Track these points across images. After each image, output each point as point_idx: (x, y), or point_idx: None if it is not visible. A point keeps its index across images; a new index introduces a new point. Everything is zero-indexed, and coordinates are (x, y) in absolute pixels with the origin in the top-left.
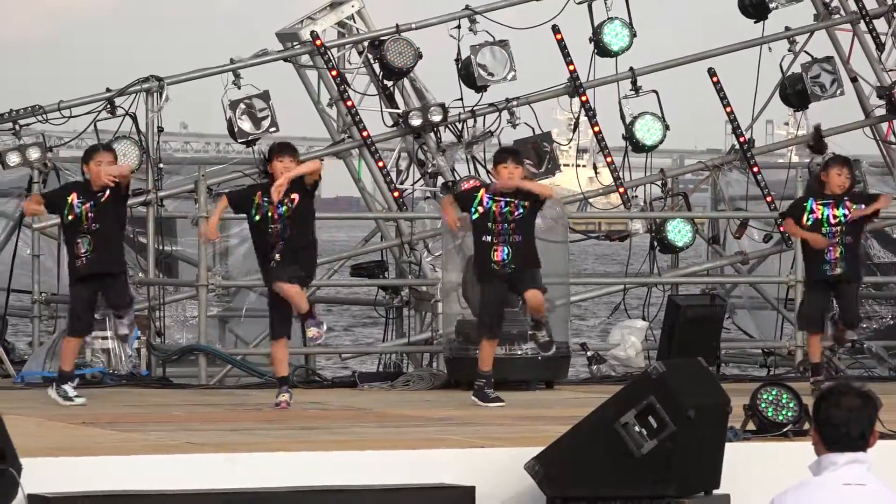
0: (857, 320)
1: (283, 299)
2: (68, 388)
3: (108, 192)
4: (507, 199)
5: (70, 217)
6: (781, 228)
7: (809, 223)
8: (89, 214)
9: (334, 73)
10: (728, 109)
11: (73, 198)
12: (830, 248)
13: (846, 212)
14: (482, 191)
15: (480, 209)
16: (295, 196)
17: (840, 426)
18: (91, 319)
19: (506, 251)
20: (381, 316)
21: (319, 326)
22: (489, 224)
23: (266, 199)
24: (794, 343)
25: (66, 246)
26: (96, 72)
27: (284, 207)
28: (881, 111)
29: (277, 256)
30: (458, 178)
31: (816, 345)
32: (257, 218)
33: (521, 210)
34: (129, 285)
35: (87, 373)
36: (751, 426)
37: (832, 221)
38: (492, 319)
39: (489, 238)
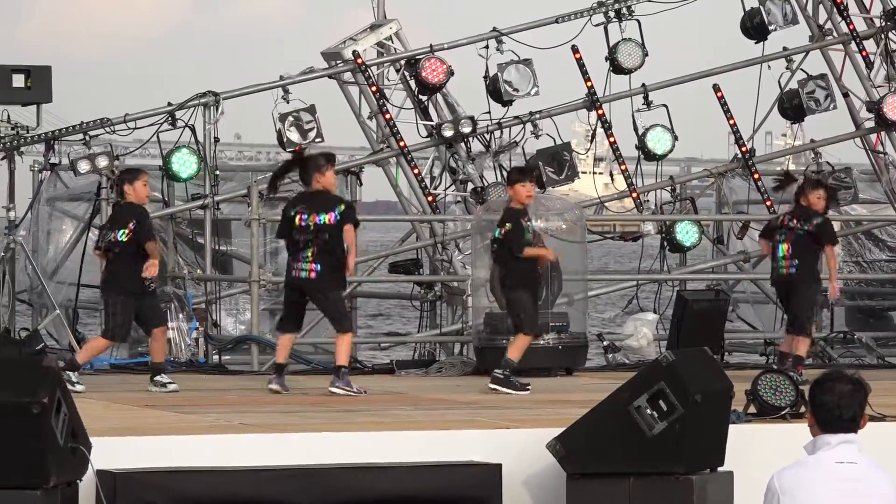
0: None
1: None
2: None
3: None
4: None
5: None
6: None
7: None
8: None
9: (374, 88)
10: (731, 122)
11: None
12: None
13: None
14: (523, 220)
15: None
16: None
17: (833, 409)
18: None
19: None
20: (416, 309)
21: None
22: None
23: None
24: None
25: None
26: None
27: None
28: (870, 123)
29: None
30: (486, 183)
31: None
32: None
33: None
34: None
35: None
36: (752, 409)
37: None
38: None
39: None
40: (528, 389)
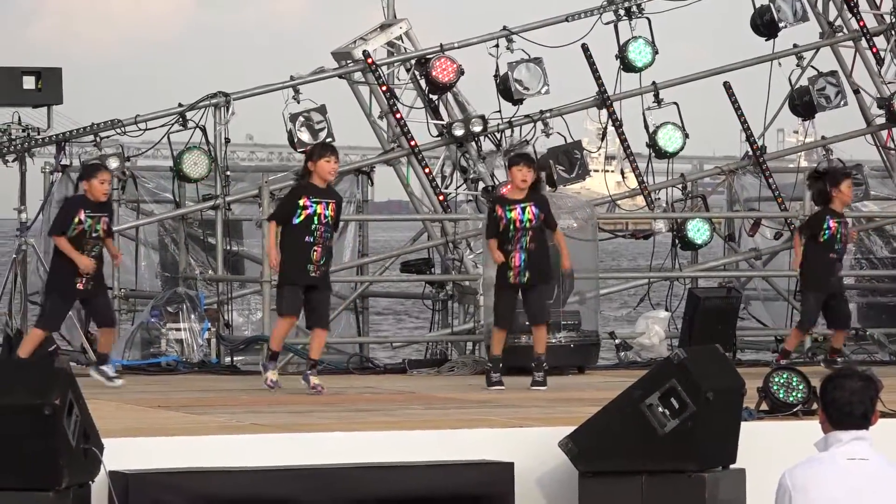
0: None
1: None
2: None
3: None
4: (523, 206)
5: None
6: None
7: (825, 238)
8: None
9: (384, 88)
10: (742, 119)
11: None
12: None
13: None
14: (498, 209)
15: (503, 222)
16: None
17: (844, 406)
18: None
19: (522, 259)
20: (428, 308)
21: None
22: (510, 231)
23: (313, 200)
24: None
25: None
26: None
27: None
28: (881, 120)
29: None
30: (496, 183)
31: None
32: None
33: (536, 215)
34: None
35: (163, 361)
36: (764, 406)
37: (842, 241)
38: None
39: (510, 246)
40: (499, 386)
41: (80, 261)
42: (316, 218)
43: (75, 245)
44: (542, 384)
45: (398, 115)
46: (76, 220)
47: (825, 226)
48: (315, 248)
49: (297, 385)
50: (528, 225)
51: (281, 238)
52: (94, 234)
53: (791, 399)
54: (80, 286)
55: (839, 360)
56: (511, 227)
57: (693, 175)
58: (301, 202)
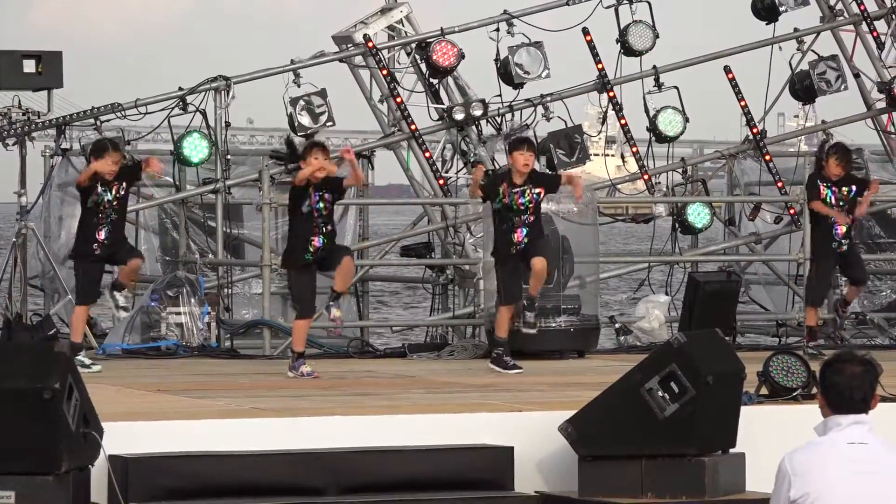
0: (865, 277)
1: None
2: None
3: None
4: (523, 189)
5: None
6: (811, 206)
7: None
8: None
9: (385, 72)
10: (742, 103)
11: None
12: (838, 226)
13: (848, 189)
14: (504, 186)
15: (505, 201)
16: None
17: (844, 390)
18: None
19: (524, 232)
20: (428, 292)
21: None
22: (511, 214)
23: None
24: (802, 315)
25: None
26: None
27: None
28: (881, 104)
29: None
30: (497, 167)
31: (815, 314)
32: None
33: (535, 198)
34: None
35: (162, 345)
36: (764, 391)
37: (837, 202)
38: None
39: (510, 224)
40: (518, 370)
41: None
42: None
43: (92, 216)
44: (532, 326)
45: (399, 99)
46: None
47: (818, 189)
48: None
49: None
50: (529, 207)
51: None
52: (110, 204)
53: (791, 383)
54: (97, 251)
55: (844, 313)
56: (513, 206)
57: (693, 159)
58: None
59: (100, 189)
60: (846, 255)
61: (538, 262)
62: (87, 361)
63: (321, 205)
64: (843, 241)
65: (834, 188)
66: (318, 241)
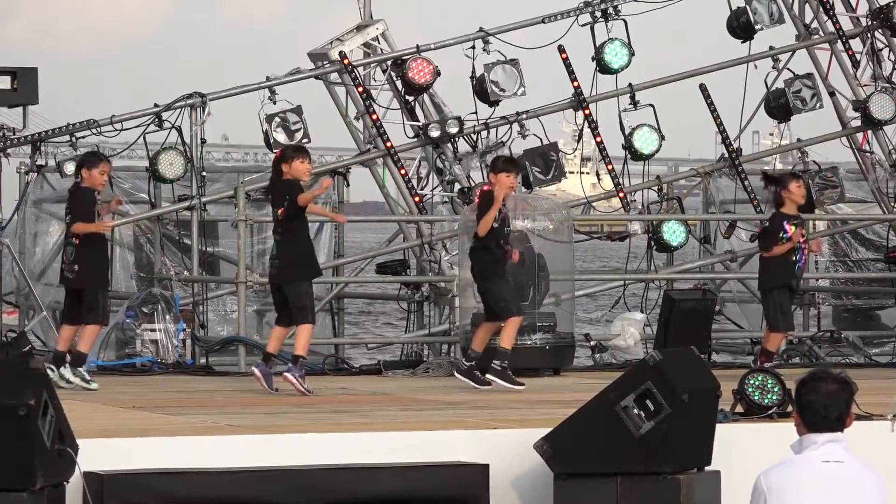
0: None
1: None
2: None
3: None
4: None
5: None
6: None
7: (784, 240)
8: None
9: (360, 89)
10: (718, 121)
11: None
12: (801, 261)
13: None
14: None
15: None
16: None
17: (819, 409)
18: None
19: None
20: (403, 309)
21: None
22: (505, 232)
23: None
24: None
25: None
26: (144, 88)
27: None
28: (857, 122)
29: None
30: (472, 184)
31: (779, 341)
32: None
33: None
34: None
35: (137, 362)
36: (739, 409)
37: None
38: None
39: (506, 240)
40: (521, 385)
41: (101, 227)
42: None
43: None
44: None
45: (374, 117)
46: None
47: (782, 231)
48: None
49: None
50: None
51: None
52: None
53: (766, 401)
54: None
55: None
56: (504, 226)
57: (669, 177)
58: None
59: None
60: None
61: (514, 320)
62: (88, 377)
63: None
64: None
65: (797, 221)
66: None
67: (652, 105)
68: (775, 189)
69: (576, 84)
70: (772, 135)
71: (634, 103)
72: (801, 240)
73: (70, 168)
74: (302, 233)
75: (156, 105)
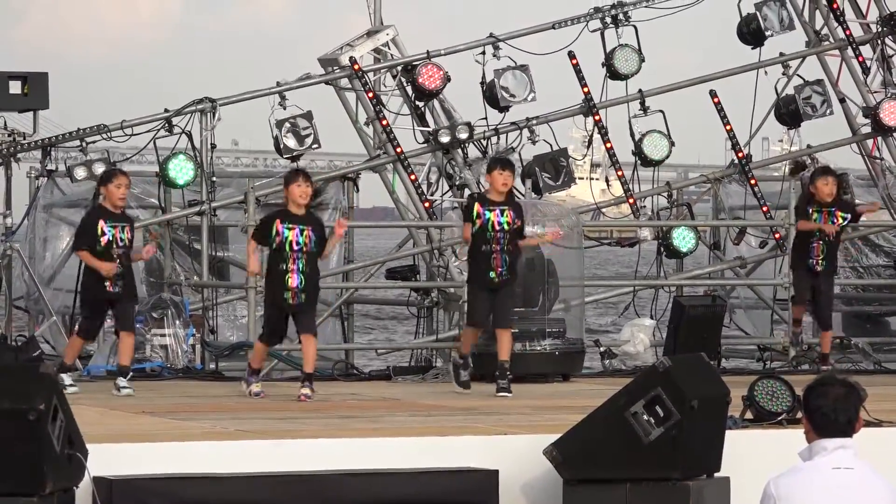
0: (830, 323)
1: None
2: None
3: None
4: (502, 209)
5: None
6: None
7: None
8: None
9: (371, 94)
10: (728, 127)
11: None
12: (815, 247)
13: (835, 220)
14: (478, 206)
15: (479, 221)
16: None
17: (828, 413)
18: None
19: (503, 266)
20: (413, 315)
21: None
22: (488, 237)
23: (285, 225)
24: (787, 340)
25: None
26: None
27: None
28: (867, 129)
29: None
30: (482, 190)
31: (799, 309)
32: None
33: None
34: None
35: (147, 367)
36: (748, 415)
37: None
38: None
39: (488, 249)
40: (467, 389)
41: (102, 267)
42: (288, 245)
43: (105, 257)
44: (507, 391)
45: (384, 122)
46: (99, 231)
47: (806, 212)
48: (289, 275)
49: (282, 392)
50: (506, 228)
51: (267, 260)
52: (121, 244)
53: (775, 408)
54: (108, 288)
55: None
56: (489, 227)
57: (678, 183)
58: (274, 227)
59: (104, 227)
60: (819, 288)
61: (504, 335)
62: (67, 381)
63: (301, 239)
64: (820, 260)
65: (824, 211)
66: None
67: (662, 111)
68: (809, 181)
69: (586, 90)
70: (781, 141)
71: (644, 109)
72: (829, 231)
73: (80, 173)
74: (268, 262)
75: (166, 110)
